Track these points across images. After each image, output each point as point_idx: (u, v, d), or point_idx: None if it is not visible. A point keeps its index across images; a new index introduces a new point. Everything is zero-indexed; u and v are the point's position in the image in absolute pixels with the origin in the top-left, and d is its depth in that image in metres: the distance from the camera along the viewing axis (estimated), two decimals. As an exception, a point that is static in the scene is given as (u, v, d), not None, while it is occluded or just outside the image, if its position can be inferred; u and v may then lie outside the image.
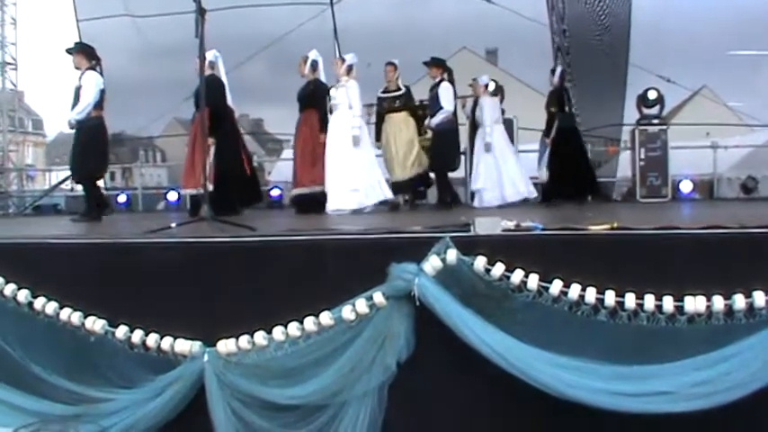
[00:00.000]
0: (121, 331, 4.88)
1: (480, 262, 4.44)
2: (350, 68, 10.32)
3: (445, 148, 11.16)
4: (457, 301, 4.43)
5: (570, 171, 11.61)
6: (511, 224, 4.86)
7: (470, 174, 12.32)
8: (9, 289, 5.10)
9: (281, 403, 4.63)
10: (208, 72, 8.99)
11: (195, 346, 4.78)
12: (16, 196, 16.62)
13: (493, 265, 4.44)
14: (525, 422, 4.52)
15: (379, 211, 9.80)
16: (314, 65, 10.52)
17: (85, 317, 4.95)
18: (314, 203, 9.98)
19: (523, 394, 4.33)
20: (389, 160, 11.28)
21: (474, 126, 11.89)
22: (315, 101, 10.31)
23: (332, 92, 10.25)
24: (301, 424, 4.60)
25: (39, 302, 5.04)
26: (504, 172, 11.32)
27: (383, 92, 11.58)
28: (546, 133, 11.86)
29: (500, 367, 4.33)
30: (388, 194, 10.18)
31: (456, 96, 11.41)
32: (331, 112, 10.15)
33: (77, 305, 4.99)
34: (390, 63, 11.50)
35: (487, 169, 11.31)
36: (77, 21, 16.02)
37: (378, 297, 4.49)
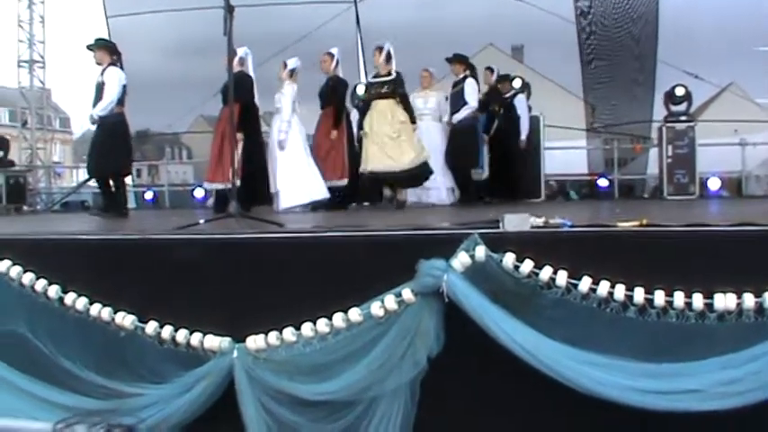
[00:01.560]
0: (151, 327, 4.90)
1: (509, 258, 4.43)
2: (292, 73, 10.36)
3: (466, 145, 11.11)
4: (485, 297, 4.42)
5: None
6: (539, 221, 4.85)
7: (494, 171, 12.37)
8: (40, 284, 5.15)
9: (310, 399, 4.64)
10: (237, 68, 9.05)
11: (224, 341, 4.79)
12: (44, 193, 16.77)
13: (521, 261, 4.43)
14: (553, 420, 4.51)
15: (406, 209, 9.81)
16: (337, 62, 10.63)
17: (115, 312, 4.98)
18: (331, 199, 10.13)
19: (551, 392, 4.32)
20: (367, 150, 10.51)
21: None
22: (334, 97, 10.36)
23: (276, 95, 10.41)
24: (332, 419, 4.61)
25: (69, 298, 5.08)
26: None
27: (373, 77, 11.11)
28: (486, 131, 11.88)
29: (528, 364, 4.32)
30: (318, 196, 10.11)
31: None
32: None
33: (107, 301, 5.02)
34: (378, 47, 10.86)
35: None
36: (107, 17, 16.17)
37: (406, 293, 4.49)
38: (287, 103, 10.12)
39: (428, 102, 11.27)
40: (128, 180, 10.30)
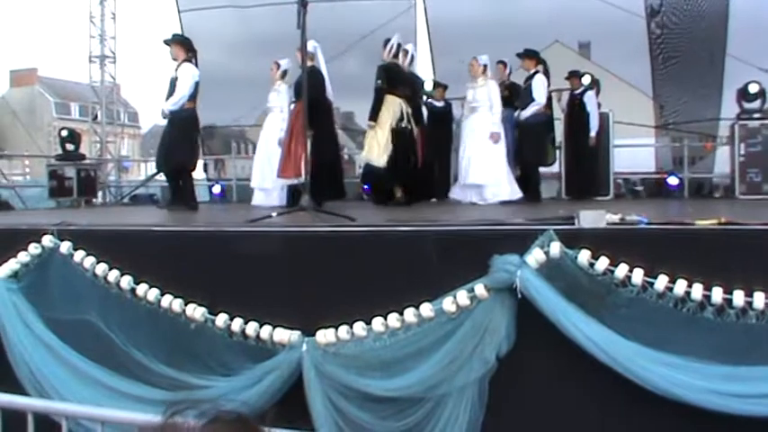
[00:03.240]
0: (221, 319, 4.93)
1: (584, 255, 4.37)
2: (284, 74, 10.48)
3: (536, 142, 10.97)
4: (559, 294, 4.37)
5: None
6: (615, 217, 4.77)
7: (564, 168, 12.22)
8: (113, 275, 5.22)
9: (378, 395, 4.62)
10: (308, 63, 9.06)
11: (294, 335, 4.80)
12: (113, 186, 17.04)
13: (597, 258, 4.37)
14: (627, 421, 4.43)
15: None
16: (408, 56, 10.56)
17: (186, 304, 5.02)
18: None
19: (626, 391, 4.25)
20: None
21: (570, 119, 11.80)
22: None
23: (268, 95, 10.59)
24: (399, 416, 4.59)
25: (141, 289, 5.13)
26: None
27: None
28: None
29: (603, 363, 4.26)
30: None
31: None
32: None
33: (178, 292, 5.06)
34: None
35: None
36: (179, 12, 16.39)
37: (479, 289, 4.45)
38: (285, 102, 10.37)
39: (476, 93, 10.71)
40: (199, 174, 10.43)
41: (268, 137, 10.72)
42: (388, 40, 10.44)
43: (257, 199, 10.89)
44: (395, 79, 10.18)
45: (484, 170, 10.34)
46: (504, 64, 11.67)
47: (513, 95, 11.29)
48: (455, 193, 10.76)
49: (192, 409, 0.99)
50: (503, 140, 10.46)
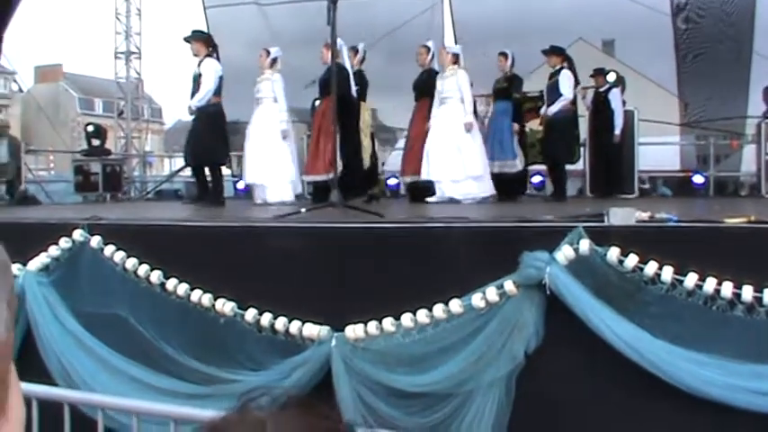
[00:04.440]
0: (250, 314, 4.95)
1: (613, 252, 4.37)
2: (274, 62, 10.14)
3: (561, 138, 10.92)
4: (588, 291, 4.38)
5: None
6: (645, 215, 4.77)
7: (588, 166, 12.18)
8: (143, 269, 5.26)
9: (407, 390, 4.63)
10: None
11: (323, 330, 4.81)
12: (138, 181, 17.14)
13: (626, 256, 4.36)
14: (655, 417, 4.43)
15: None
16: (432, 55, 10.57)
17: (215, 299, 5.05)
18: (425, 191, 10.00)
19: (654, 389, 4.25)
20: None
21: (594, 117, 11.77)
22: (429, 89, 10.34)
23: (257, 85, 10.15)
24: (427, 412, 4.59)
25: (170, 283, 5.17)
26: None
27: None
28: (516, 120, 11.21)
29: (631, 361, 4.26)
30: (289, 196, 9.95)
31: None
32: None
33: (207, 287, 5.09)
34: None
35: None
36: (204, 8, 16.46)
37: (508, 285, 4.46)
38: (280, 91, 9.99)
39: (445, 83, 10.17)
40: (225, 170, 10.46)
41: (264, 129, 10.03)
42: (355, 48, 10.51)
43: (260, 195, 10.14)
44: (365, 87, 10.44)
45: (444, 166, 9.81)
46: (506, 55, 11.31)
47: (512, 87, 11.17)
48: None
49: (266, 395, 1.02)
50: (476, 132, 10.05)
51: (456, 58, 10.27)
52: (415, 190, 10.36)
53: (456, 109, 9.92)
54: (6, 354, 0.98)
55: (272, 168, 9.89)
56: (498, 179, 10.41)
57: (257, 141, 10.06)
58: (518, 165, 10.99)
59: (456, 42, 13.89)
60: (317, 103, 10.58)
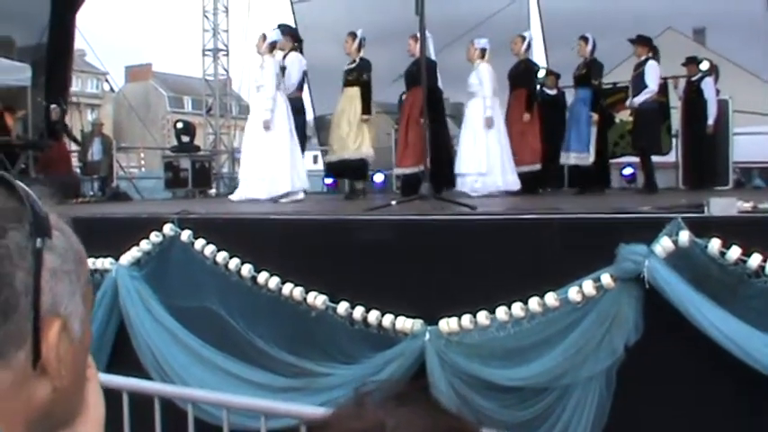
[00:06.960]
0: (342, 307, 4.93)
1: (715, 245, 4.22)
2: (272, 46, 9.54)
3: (648, 128, 10.71)
4: (688, 285, 4.25)
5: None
6: (747, 205, 4.62)
7: (681, 157, 11.90)
8: (233, 263, 5.30)
9: (502, 384, 4.57)
10: (419, 52, 9.05)
11: (417, 324, 4.76)
12: (227, 177, 17.39)
13: (728, 248, 4.21)
14: (758, 414, 4.29)
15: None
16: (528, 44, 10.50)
17: (307, 292, 5.04)
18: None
19: (759, 386, 4.11)
20: (333, 137, 10.43)
21: (687, 107, 11.49)
22: (525, 80, 10.24)
23: (256, 72, 9.64)
24: (524, 406, 4.53)
25: (261, 277, 5.19)
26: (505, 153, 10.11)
27: (347, 64, 10.48)
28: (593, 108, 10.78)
29: (735, 356, 4.12)
30: (299, 185, 9.47)
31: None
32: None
33: (298, 280, 5.09)
34: (350, 33, 10.40)
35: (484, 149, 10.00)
36: (292, 3, 16.65)
37: (605, 278, 4.35)
38: (269, 78, 9.30)
39: (471, 77, 10.21)
40: (312, 165, 10.53)
41: (257, 121, 9.49)
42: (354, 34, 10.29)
43: (247, 191, 9.45)
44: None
45: (471, 159, 9.88)
46: (586, 39, 10.98)
47: (592, 73, 10.91)
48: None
49: (381, 389, 0.96)
50: (498, 127, 10.01)
51: (483, 53, 10.24)
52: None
53: (479, 103, 10.02)
54: (82, 351, 0.95)
55: (266, 161, 9.30)
56: (575, 171, 10.54)
57: (252, 135, 9.62)
58: (590, 158, 10.76)
59: (543, 35, 13.75)
60: (404, 96, 10.56)
